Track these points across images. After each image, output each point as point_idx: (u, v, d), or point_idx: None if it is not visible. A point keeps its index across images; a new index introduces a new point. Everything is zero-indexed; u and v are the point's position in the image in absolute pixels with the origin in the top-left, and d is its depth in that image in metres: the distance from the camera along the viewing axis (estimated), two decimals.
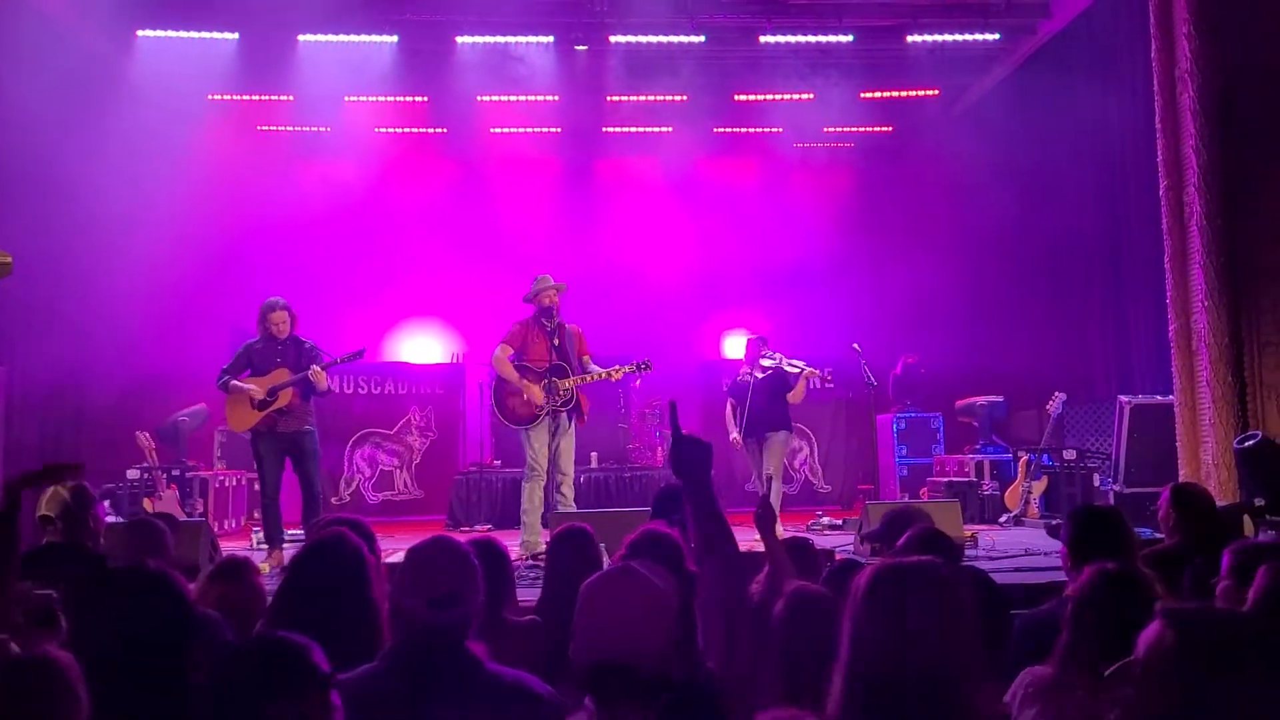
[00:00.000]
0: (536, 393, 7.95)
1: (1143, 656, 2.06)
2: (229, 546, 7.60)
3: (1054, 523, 8.30)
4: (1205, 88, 7.59)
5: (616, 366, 8.13)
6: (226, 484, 10.58)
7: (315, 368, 7.55)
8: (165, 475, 9.74)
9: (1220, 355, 7.47)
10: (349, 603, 2.92)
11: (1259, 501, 6.56)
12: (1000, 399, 11.33)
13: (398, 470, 12.10)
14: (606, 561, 5.59)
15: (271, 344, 7.71)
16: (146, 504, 9.21)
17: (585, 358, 8.18)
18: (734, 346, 13.55)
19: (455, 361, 12.87)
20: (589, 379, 8.04)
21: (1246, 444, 6.74)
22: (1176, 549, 4.36)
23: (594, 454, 11.20)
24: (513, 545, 8.01)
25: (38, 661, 2.24)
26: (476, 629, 2.73)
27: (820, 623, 2.57)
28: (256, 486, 11.07)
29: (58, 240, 9.44)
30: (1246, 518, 6.44)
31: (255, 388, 7.55)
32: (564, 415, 7.99)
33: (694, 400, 12.67)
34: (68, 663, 2.24)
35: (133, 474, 9.64)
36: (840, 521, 9.63)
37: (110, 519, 7.25)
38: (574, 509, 7.87)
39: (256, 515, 10.93)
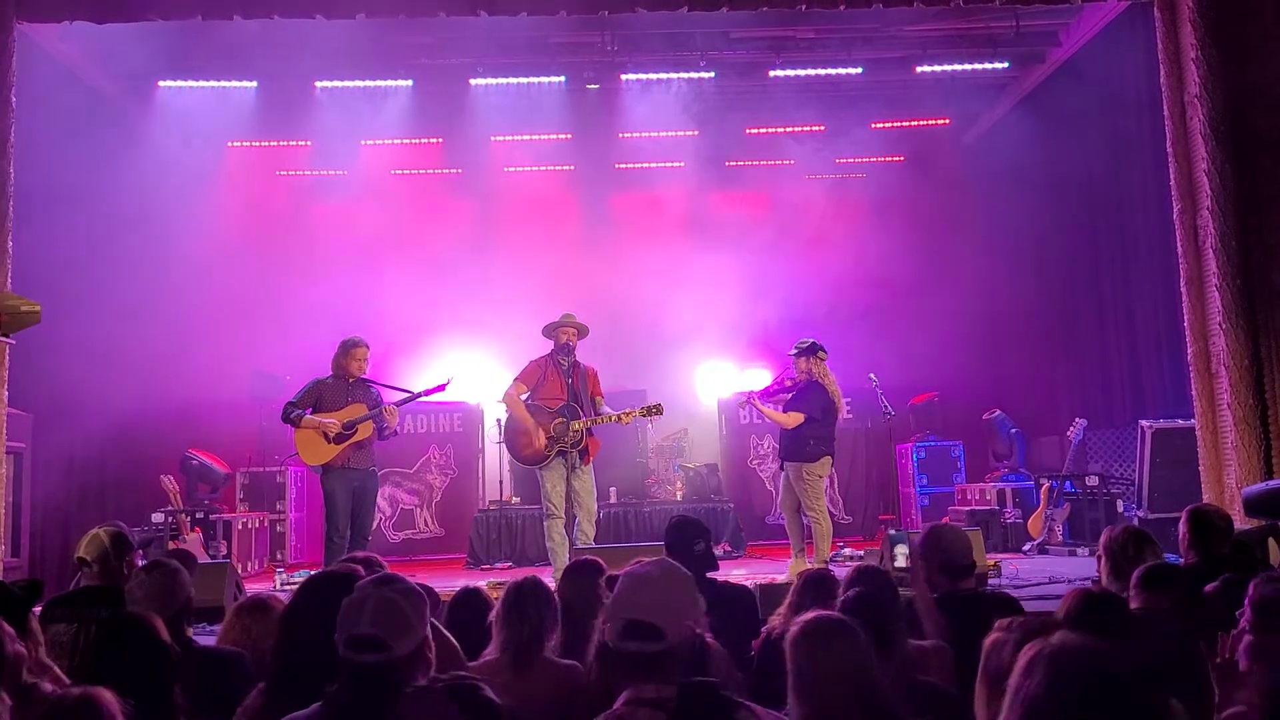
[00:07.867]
0: (541, 437, 7.94)
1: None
2: (253, 588, 7.61)
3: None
4: (1215, 111, 7.62)
5: (628, 410, 8.06)
6: (249, 526, 10.60)
7: (389, 405, 7.59)
8: (189, 518, 9.79)
9: (1241, 377, 7.45)
10: None
11: None
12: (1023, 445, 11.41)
13: (418, 509, 12.09)
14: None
15: (341, 381, 7.75)
16: (171, 547, 9.26)
17: (598, 399, 8.15)
18: (749, 381, 13.50)
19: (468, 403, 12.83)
20: (600, 421, 8.01)
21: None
22: (1191, 569, 4.39)
23: (612, 489, 11.18)
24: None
25: (80, 701, 2.18)
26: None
27: (835, 646, 2.60)
28: (279, 528, 11.23)
29: (80, 284, 9.54)
30: (1271, 541, 6.38)
31: (333, 421, 7.57)
32: (575, 455, 7.97)
33: (708, 436, 12.62)
34: (108, 701, 2.18)
35: (157, 517, 9.70)
36: (862, 552, 9.55)
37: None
38: (593, 545, 7.87)
39: (279, 556, 11.01)
